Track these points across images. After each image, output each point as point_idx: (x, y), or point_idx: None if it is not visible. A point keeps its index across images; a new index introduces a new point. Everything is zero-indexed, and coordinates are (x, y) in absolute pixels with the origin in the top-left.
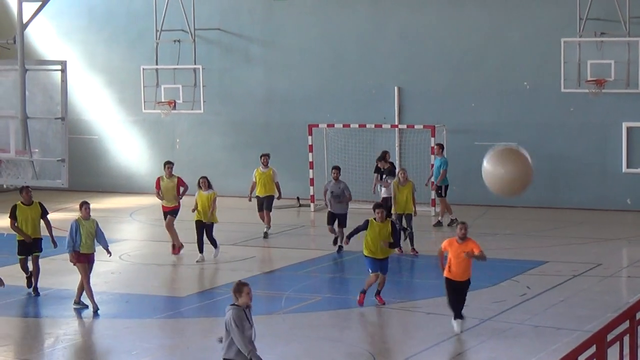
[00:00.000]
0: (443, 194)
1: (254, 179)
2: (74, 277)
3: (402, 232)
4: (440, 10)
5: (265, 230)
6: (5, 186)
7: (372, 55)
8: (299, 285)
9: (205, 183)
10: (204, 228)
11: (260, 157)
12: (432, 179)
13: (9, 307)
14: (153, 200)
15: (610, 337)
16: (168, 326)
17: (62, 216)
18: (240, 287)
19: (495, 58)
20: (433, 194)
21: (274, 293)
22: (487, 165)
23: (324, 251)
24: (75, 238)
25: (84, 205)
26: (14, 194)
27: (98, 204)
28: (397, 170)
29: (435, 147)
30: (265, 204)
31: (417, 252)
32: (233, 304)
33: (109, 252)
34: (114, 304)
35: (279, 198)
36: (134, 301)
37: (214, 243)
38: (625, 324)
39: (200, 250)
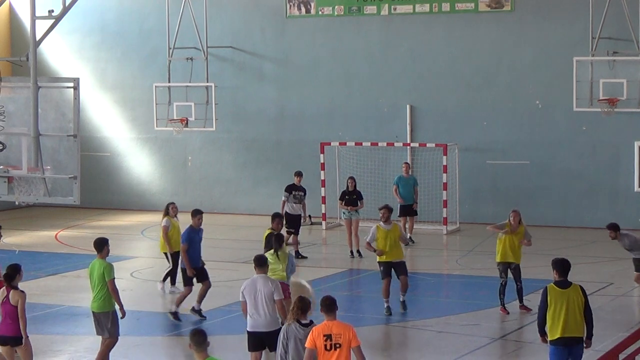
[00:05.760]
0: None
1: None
2: (86, 295)
3: (503, 285)
4: (452, 28)
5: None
6: (17, 203)
7: (384, 73)
8: None
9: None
10: None
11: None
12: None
13: None
14: None
15: (622, 356)
16: (179, 343)
17: (74, 234)
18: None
19: (507, 76)
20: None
21: None
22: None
23: (335, 269)
24: None
25: None
26: (26, 211)
27: (110, 221)
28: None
29: (407, 165)
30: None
31: (529, 309)
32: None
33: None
34: (125, 321)
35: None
36: (145, 318)
37: None
38: (637, 344)
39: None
